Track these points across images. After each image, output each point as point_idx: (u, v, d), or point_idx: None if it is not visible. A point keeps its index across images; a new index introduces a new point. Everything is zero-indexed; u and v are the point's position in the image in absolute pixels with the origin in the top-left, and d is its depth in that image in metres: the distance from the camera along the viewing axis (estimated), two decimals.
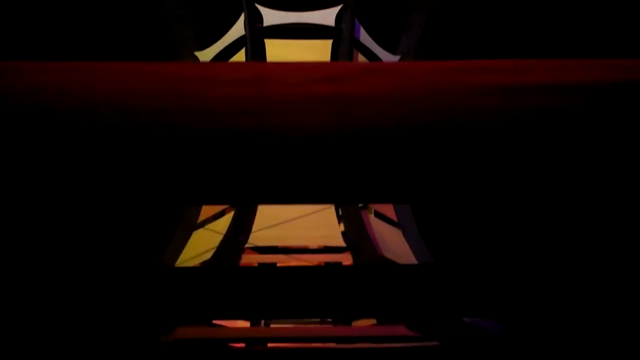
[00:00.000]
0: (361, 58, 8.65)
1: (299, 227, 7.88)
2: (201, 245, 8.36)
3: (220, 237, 7.82)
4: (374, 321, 7.78)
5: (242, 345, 6.84)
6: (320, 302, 3.13)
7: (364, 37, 8.47)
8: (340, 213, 8.56)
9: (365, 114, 2.64)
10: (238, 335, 7.24)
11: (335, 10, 8.14)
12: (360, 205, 8.35)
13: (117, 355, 4.66)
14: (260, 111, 2.67)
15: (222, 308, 3.33)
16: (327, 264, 6.56)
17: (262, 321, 8.33)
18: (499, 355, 4.65)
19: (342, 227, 8.38)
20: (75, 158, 2.54)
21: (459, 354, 4.86)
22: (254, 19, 7.58)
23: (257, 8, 8.07)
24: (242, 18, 7.92)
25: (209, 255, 7.47)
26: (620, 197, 2.85)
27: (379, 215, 9.22)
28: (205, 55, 8.36)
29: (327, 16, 8.30)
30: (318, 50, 8.84)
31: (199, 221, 8.48)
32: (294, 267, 3.39)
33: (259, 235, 8.02)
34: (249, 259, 7.68)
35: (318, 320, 8.20)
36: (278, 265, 6.99)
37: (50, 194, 2.61)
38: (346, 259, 7.81)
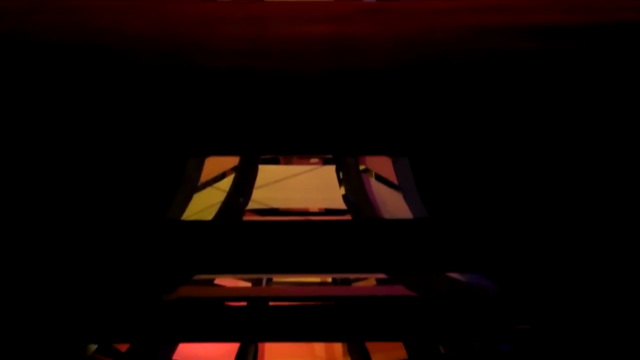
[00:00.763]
0: None
1: (299, 190, 7.90)
2: (202, 206, 8.40)
3: (222, 196, 7.85)
4: (373, 282, 7.86)
5: (244, 304, 6.94)
6: (321, 255, 3.11)
7: None
8: (340, 176, 8.55)
9: (368, 55, 2.56)
10: (239, 295, 7.34)
11: None
12: (361, 167, 8.32)
13: (119, 314, 4.68)
14: (259, 52, 2.59)
15: (224, 261, 3.32)
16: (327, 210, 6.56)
17: (263, 281, 8.44)
18: (495, 313, 4.66)
19: (342, 190, 8.38)
20: (79, 98, 2.50)
21: (456, 311, 4.87)
22: None
23: None
24: None
25: (210, 217, 7.50)
26: (622, 144, 2.81)
27: (379, 178, 9.21)
28: None
29: None
30: None
31: (200, 183, 8.49)
32: (294, 221, 3.39)
33: (259, 198, 8.04)
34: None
35: (318, 281, 8.30)
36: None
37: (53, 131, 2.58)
38: None
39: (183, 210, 8.02)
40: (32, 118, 2.53)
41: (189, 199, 8.33)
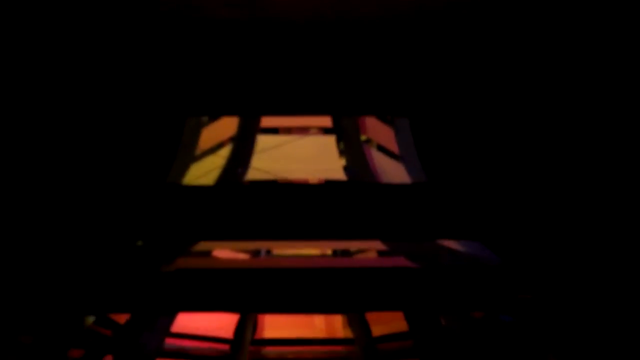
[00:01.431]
0: None
1: (299, 161, 7.76)
2: (202, 172, 8.32)
3: (222, 162, 7.73)
4: (374, 254, 7.81)
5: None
6: (320, 220, 3.01)
7: None
8: (341, 146, 8.42)
9: None
10: (238, 266, 7.29)
11: None
12: (362, 138, 8.19)
13: (121, 283, 4.61)
14: None
15: (226, 225, 3.20)
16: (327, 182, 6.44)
17: (262, 253, 8.38)
18: (496, 283, 4.60)
19: (343, 161, 8.27)
20: None
21: (457, 282, 4.81)
22: None
23: None
24: None
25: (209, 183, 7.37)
26: None
27: (381, 148, 9.09)
28: None
29: None
30: None
31: (198, 153, 8.38)
32: (294, 184, 3.26)
33: (258, 169, 7.91)
34: None
35: (318, 254, 8.24)
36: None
37: None
38: None
39: (183, 174, 7.92)
40: None
41: (188, 163, 8.20)
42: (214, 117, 8.48)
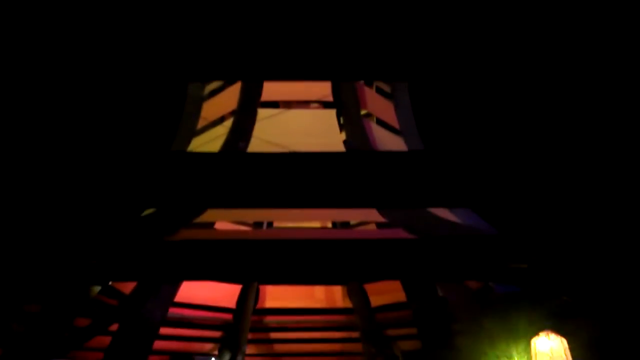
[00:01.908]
0: None
1: (299, 134, 7.81)
2: (205, 143, 8.34)
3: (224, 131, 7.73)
4: (373, 226, 7.92)
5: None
6: (320, 186, 3.06)
7: None
8: (341, 120, 8.45)
9: None
10: (240, 237, 7.41)
11: None
12: (362, 112, 8.21)
13: (126, 252, 4.69)
14: None
15: (229, 191, 3.24)
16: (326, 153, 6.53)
17: (264, 225, 8.51)
18: (491, 253, 4.67)
19: (343, 135, 8.31)
20: None
21: (453, 252, 4.89)
22: None
23: None
24: None
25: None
26: None
27: (380, 122, 9.11)
28: None
29: None
30: None
31: (199, 127, 8.41)
32: (295, 153, 3.29)
33: (258, 142, 7.96)
34: None
35: (319, 226, 8.36)
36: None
37: None
38: None
39: (187, 142, 7.95)
40: None
41: (192, 131, 8.23)
42: (215, 80, 8.42)
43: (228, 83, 9.18)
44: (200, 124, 8.63)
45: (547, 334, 4.73)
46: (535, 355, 4.70)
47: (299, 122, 8.04)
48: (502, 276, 5.07)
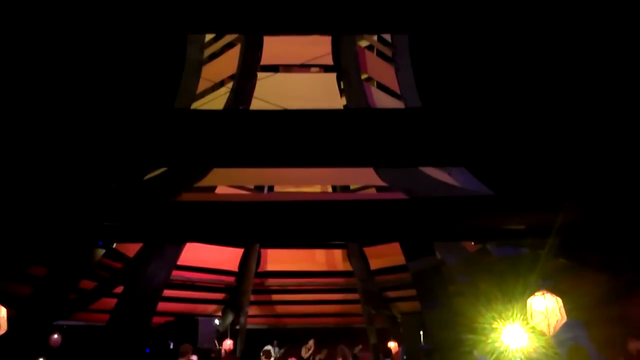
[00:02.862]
0: None
1: (300, 99, 7.75)
2: (208, 102, 8.29)
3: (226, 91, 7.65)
4: (373, 191, 7.98)
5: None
6: (321, 143, 3.06)
7: None
8: (342, 85, 8.39)
9: None
10: (240, 199, 7.49)
11: None
12: (363, 76, 8.13)
13: (129, 213, 4.66)
14: None
15: (232, 149, 3.22)
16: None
17: (265, 188, 8.58)
18: (488, 214, 4.65)
19: (344, 100, 8.27)
20: None
21: (451, 213, 4.87)
22: None
23: None
24: None
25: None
26: None
27: (381, 86, 9.05)
28: None
29: None
30: None
31: (198, 92, 8.35)
32: (297, 110, 3.27)
33: (259, 106, 7.92)
34: None
35: (319, 189, 8.42)
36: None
37: None
38: None
39: (191, 99, 7.88)
40: None
41: (192, 94, 8.15)
42: (216, 33, 8.25)
43: (227, 46, 9.07)
44: (200, 88, 8.57)
45: (543, 293, 4.85)
46: (531, 314, 4.84)
47: (299, 86, 7.98)
48: (499, 237, 5.12)
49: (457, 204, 4.16)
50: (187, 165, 5.08)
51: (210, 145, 2.93)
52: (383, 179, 6.36)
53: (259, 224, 4.38)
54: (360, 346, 9.83)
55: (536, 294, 5.02)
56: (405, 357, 9.08)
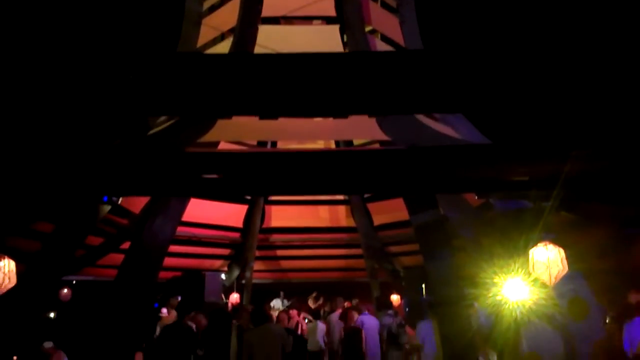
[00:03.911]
0: None
1: (302, 46, 7.57)
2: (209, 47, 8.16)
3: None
4: (377, 146, 7.94)
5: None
6: (322, 91, 2.99)
7: None
8: (345, 38, 8.20)
9: None
10: (243, 151, 7.47)
11: None
12: (367, 28, 7.92)
13: (135, 166, 4.61)
14: None
15: (235, 94, 3.15)
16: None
17: (268, 144, 8.56)
18: (489, 165, 4.58)
19: (346, 50, 8.09)
20: None
21: (452, 164, 4.80)
22: None
23: None
24: None
25: None
26: None
27: (385, 39, 8.84)
28: None
29: None
30: None
31: (198, 47, 8.19)
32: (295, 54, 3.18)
33: (262, 45, 7.76)
34: None
35: (323, 145, 8.39)
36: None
37: None
38: None
39: (193, 43, 7.73)
40: None
41: (192, 49, 8.00)
42: None
43: None
44: (200, 42, 8.39)
45: (545, 244, 4.87)
46: (533, 265, 4.87)
47: (300, 39, 7.78)
48: (503, 188, 5.10)
49: (459, 153, 4.11)
50: (188, 113, 5.02)
51: (211, 91, 2.87)
52: (386, 132, 6.30)
53: (263, 173, 4.37)
54: (357, 300, 10.05)
55: (538, 244, 5.05)
56: (407, 310, 9.28)
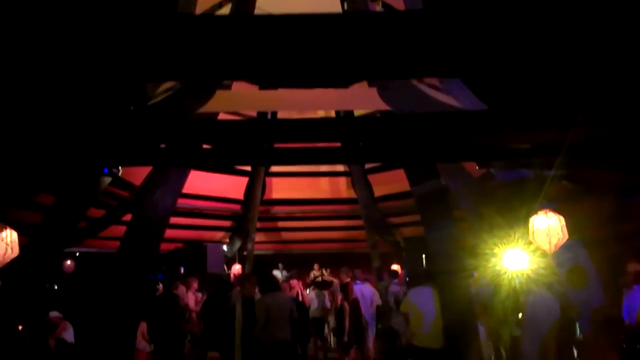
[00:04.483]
0: None
1: (301, 3, 7.36)
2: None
3: None
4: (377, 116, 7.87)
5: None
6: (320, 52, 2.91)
7: None
8: (345, 6, 8.03)
9: None
10: (244, 119, 7.43)
11: None
12: None
13: (135, 135, 4.55)
14: None
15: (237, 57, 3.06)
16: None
17: (269, 114, 8.49)
18: (493, 130, 4.51)
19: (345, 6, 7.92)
20: None
21: (452, 131, 4.72)
22: None
23: None
24: None
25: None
26: None
27: (385, 6, 8.66)
28: None
29: None
30: None
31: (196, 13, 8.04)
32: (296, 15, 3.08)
33: (260, 5, 7.60)
34: None
35: (323, 115, 8.30)
36: None
37: None
38: None
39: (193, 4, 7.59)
40: None
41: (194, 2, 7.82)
42: None
43: None
44: (198, 10, 8.21)
45: (546, 212, 4.87)
46: (533, 232, 4.88)
47: (300, 3, 7.59)
48: (504, 156, 5.05)
49: (460, 119, 4.05)
50: (187, 77, 4.93)
51: (210, 53, 2.80)
52: (387, 103, 6.23)
53: (264, 140, 4.32)
54: (359, 270, 10.18)
55: (539, 212, 5.04)
56: (407, 279, 9.39)
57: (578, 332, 6.40)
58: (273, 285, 6.31)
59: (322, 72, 3.11)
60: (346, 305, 9.01)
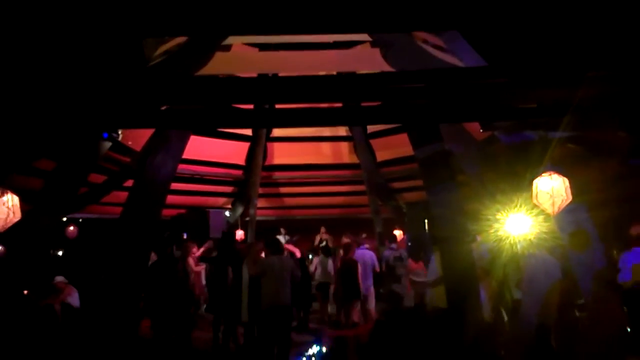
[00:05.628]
0: None
1: None
2: None
3: None
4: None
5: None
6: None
7: None
8: None
9: None
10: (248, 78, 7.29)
11: None
12: None
13: (134, 96, 4.45)
14: None
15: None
16: None
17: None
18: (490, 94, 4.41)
19: None
20: None
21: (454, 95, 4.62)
22: None
23: None
24: None
25: None
26: None
27: None
28: None
29: None
30: None
31: None
32: None
33: None
34: None
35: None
36: None
37: None
38: None
39: None
40: None
41: None
42: None
43: None
44: None
45: (550, 174, 4.79)
46: (537, 194, 4.81)
47: None
48: (510, 116, 4.94)
49: (462, 75, 3.93)
50: (187, 32, 4.79)
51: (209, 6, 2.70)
52: (390, 63, 6.08)
53: (265, 98, 4.21)
54: (364, 235, 10.18)
55: (543, 174, 4.96)
56: (409, 244, 9.42)
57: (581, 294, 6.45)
58: (278, 247, 6.43)
59: (322, 20, 2.99)
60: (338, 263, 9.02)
